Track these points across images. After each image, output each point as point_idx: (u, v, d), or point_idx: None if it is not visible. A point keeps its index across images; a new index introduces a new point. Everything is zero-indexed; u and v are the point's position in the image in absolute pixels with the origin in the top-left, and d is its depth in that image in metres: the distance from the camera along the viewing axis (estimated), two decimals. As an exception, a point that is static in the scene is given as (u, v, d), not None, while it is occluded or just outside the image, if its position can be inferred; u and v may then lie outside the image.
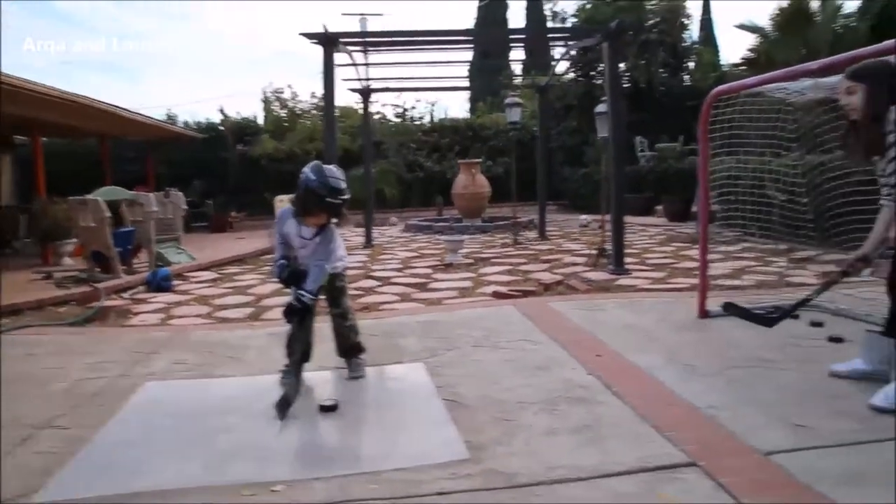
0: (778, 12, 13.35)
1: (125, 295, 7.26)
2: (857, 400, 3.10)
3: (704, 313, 4.98)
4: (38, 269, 9.10)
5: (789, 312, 3.83)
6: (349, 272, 8.20)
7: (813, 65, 3.81)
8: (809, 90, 4.15)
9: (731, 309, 4.10)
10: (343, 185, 3.42)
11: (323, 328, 3.96)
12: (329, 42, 7.88)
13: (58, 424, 3.20)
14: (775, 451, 2.61)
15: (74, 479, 2.61)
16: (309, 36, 7.88)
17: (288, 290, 3.78)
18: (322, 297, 3.82)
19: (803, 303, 3.79)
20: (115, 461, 2.79)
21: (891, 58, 3.30)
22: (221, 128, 19.58)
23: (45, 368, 4.21)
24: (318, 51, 7.93)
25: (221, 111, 20.04)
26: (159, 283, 7.58)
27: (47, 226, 9.94)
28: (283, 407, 3.21)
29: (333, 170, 3.46)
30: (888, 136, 2.98)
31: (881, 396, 3.00)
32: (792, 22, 12.92)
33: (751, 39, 14.36)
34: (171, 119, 19.09)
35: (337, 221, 3.58)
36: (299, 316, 3.55)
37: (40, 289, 7.48)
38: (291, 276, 3.61)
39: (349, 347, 3.87)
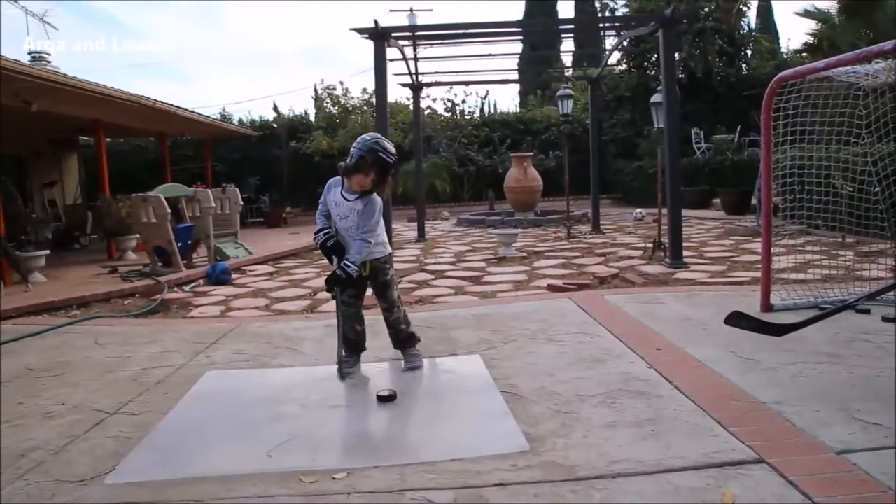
0: (843, -6, 12.82)
1: (186, 288, 7.46)
2: (935, 397, 2.96)
3: (768, 307, 4.82)
4: (104, 264, 9.46)
5: (810, 322, 3.53)
6: (403, 266, 8.27)
7: (887, 45, 3.62)
8: (882, 73, 3.95)
9: (733, 320, 3.63)
10: (392, 149, 3.56)
11: (378, 321, 3.99)
12: (380, 36, 7.91)
13: (127, 410, 3.31)
14: (848, 449, 2.49)
15: (143, 463, 2.69)
16: (360, 31, 7.91)
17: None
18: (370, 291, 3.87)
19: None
20: (180, 446, 2.86)
21: None
22: (275, 125, 19.92)
23: (113, 357, 4.36)
24: (364, 47, 7.97)
25: (275, 108, 20.41)
26: (218, 277, 7.77)
27: (112, 222, 10.31)
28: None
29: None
30: None
31: None
32: (857, 3, 12.38)
33: (811, 25, 13.85)
34: (226, 118, 19.52)
35: (381, 187, 3.59)
36: (342, 286, 3.66)
37: (107, 282, 7.77)
38: (335, 246, 3.66)
39: (403, 339, 3.88)
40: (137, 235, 9.80)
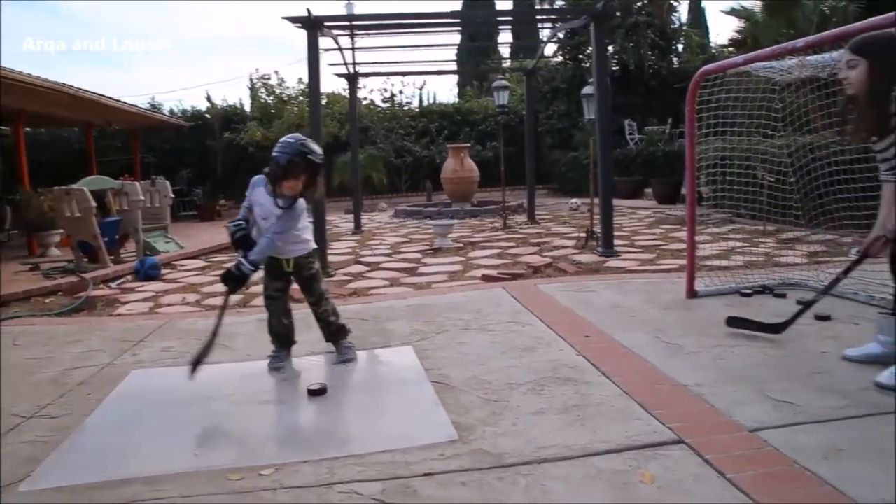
0: (766, -6, 13.32)
1: (113, 284, 7.23)
2: (842, 377, 3.13)
3: (692, 293, 5.00)
4: (24, 261, 9.06)
5: (798, 315, 3.76)
6: (338, 258, 8.20)
7: (798, 42, 3.80)
8: (795, 69, 4.13)
9: (735, 323, 3.99)
10: (319, 149, 3.52)
11: (311, 315, 3.95)
12: (313, 25, 7.77)
13: (45, 413, 3.18)
14: (760, 427, 2.62)
15: (62, 467, 2.60)
16: (292, 20, 7.77)
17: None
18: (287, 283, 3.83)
19: (826, 290, 3.73)
20: (103, 448, 2.78)
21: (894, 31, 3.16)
22: (208, 115, 19.43)
23: (32, 358, 4.19)
24: (303, 36, 7.82)
25: (208, 98, 19.95)
26: (147, 272, 7.55)
27: (33, 217, 9.87)
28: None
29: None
30: (892, 118, 2.78)
31: (886, 375, 2.94)
32: (778, 3, 12.90)
33: (737, 22, 14.38)
34: (156, 107, 18.92)
35: (312, 188, 3.54)
36: (235, 284, 3.49)
37: (27, 280, 7.44)
38: (242, 238, 3.58)
39: (334, 331, 3.86)
40: (61, 230, 9.42)
